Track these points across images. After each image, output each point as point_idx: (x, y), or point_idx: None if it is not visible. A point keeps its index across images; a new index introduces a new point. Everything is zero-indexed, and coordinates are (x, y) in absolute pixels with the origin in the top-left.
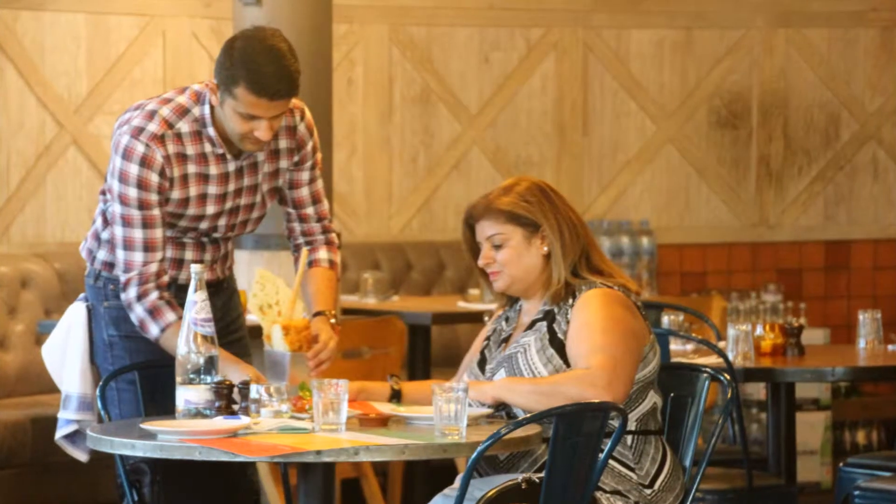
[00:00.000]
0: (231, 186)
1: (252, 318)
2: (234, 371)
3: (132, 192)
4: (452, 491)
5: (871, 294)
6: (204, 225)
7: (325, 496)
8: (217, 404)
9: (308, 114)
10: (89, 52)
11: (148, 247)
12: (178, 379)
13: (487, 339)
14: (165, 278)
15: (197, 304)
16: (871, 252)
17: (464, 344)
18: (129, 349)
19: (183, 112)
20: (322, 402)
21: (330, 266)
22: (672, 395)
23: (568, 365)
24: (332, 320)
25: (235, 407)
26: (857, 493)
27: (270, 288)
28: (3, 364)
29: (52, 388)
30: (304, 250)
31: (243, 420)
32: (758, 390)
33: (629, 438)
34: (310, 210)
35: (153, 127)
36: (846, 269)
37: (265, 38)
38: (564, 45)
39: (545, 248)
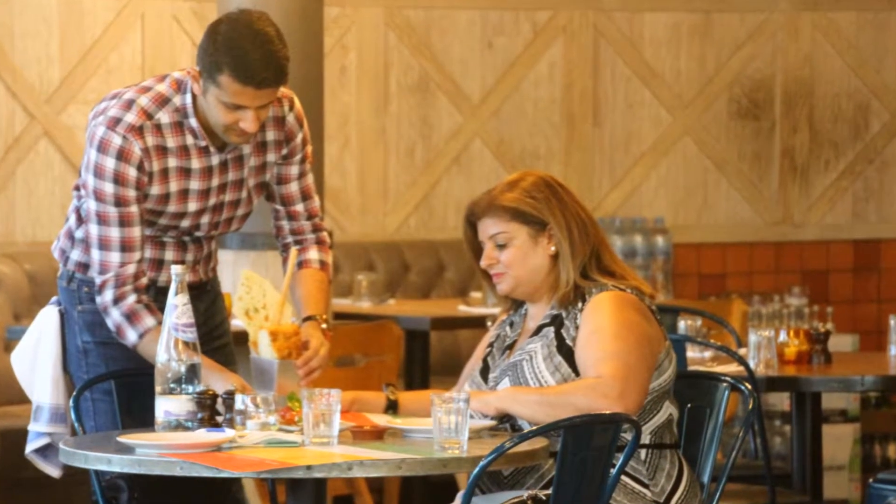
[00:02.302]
0: (215, 181)
1: (237, 322)
2: (217, 380)
3: (108, 188)
4: None
5: None
6: (185, 223)
7: None
8: (200, 416)
9: (297, 103)
10: (62, 37)
11: (125, 246)
12: (158, 388)
13: (490, 345)
14: (144, 280)
15: (178, 308)
16: None
17: (465, 351)
18: (104, 356)
19: (163, 101)
20: (313, 413)
21: (321, 267)
22: (689, 405)
23: (577, 373)
24: (324, 325)
25: (219, 419)
26: None
27: (257, 290)
28: None
29: (23, 399)
30: (294, 250)
31: (228, 433)
32: (781, 401)
33: (643, 452)
34: (299, 207)
35: (131, 117)
36: (876, 271)
37: (251, 22)
38: (573, 29)
39: (552, 248)
